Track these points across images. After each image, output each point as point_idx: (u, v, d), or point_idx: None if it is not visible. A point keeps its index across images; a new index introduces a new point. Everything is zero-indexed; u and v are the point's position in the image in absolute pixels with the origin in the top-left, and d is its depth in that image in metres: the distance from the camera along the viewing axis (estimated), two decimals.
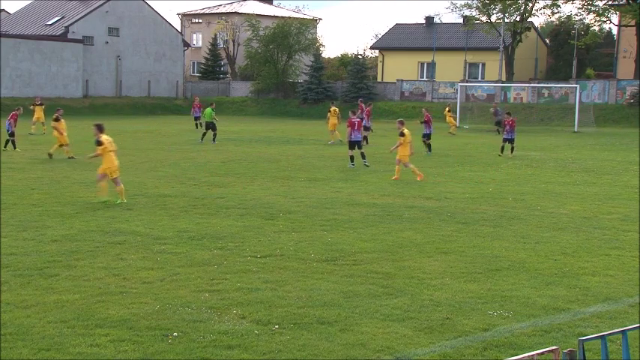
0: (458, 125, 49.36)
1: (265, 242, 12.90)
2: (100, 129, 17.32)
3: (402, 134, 21.92)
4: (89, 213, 15.42)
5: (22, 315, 8.80)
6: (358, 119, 25.79)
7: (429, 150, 30.22)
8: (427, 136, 30.77)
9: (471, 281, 10.60)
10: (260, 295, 9.71)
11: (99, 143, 17.01)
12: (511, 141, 29.31)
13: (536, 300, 9.73)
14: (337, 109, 36.77)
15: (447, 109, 45.54)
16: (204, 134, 34.39)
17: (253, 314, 8.94)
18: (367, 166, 24.49)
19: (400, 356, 7.76)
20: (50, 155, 25.83)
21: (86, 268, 10.98)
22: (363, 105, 42.44)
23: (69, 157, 25.59)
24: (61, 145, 26.24)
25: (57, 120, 26.73)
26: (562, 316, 9.10)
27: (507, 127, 29.57)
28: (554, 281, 10.67)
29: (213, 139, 33.68)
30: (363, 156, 24.91)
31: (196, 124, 42.99)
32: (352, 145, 24.97)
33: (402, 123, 22.52)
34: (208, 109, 35.36)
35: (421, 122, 31.85)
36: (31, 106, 38.72)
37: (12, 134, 28.68)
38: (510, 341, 8.21)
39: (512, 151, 29.26)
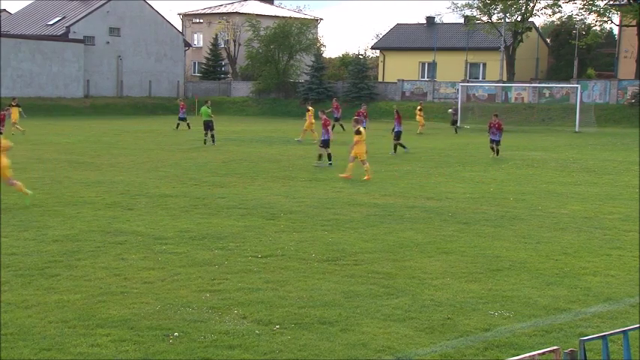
0: (459, 125, 49.42)
1: (266, 242, 12.90)
2: None
3: (359, 132, 22.23)
4: (90, 213, 15.43)
5: (23, 315, 8.80)
6: (327, 119, 26.07)
7: (394, 150, 29.98)
8: (397, 135, 30.36)
9: (472, 281, 10.60)
10: (261, 295, 9.70)
11: None
12: (497, 142, 28.90)
13: (537, 300, 9.73)
14: (313, 109, 37.06)
15: (419, 107, 44.86)
16: (206, 134, 33.24)
17: (254, 314, 8.94)
18: (331, 164, 24.67)
19: (401, 356, 7.75)
20: None
21: (87, 268, 10.99)
22: (337, 104, 42.97)
23: None
24: None
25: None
26: (563, 316, 9.10)
27: (493, 129, 29.15)
28: (555, 281, 10.67)
29: (213, 140, 32.87)
30: (329, 157, 24.97)
31: (187, 125, 42.80)
32: (327, 143, 25.01)
33: (357, 122, 22.97)
34: (204, 108, 34.07)
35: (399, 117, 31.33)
36: (7, 107, 37.87)
37: None
38: (511, 341, 8.21)
39: (497, 153, 28.86)
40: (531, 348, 7.76)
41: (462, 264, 11.57)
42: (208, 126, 33.34)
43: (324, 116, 25.96)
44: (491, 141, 29.15)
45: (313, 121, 36.06)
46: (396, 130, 30.56)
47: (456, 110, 46.06)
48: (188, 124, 42.75)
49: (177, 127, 42.60)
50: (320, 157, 24.97)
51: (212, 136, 33.24)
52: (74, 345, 7.89)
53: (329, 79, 68.22)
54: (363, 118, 33.91)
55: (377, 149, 30.52)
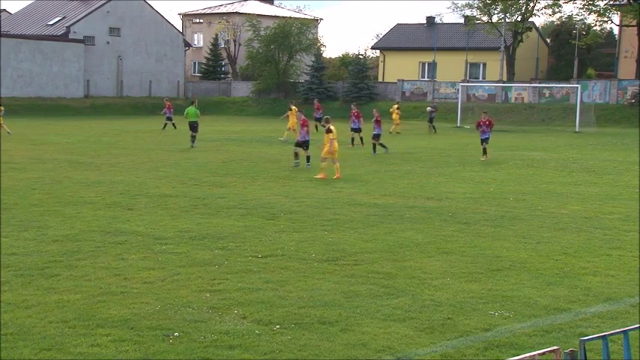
0: (459, 125, 49.44)
1: (266, 242, 12.90)
2: None
3: (330, 130, 22.35)
4: (90, 213, 15.42)
5: (23, 315, 8.80)
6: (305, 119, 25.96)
7: (374, 151, 29.69)
8: (377, 137, 30.16)
9: (472, 281, 10.60)
10: (261, 295, 9.70)
11: None
12: (486, 140, 28.23)
13: (538, 300, 9.73)
14: (296, 109, 36.83)
15: (396, 106, 44.74)
16: (193, 138, 31.59)
17: (254, 314, 8.94)
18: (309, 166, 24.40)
19: (401, 356, 7.75)
20: None
21: (87, 268, 10.99)
22: (319, 104, 43.07)
23: None
24: None
25: None
26: (563, 316, 9.10)
27: (483, 127, 28.64)
28: (556, 281, 10.67)
29: (193, 141, 31.34)
30: (307, 159, 24.54)
31: (173, 125, 42.52)
32: (305, 144, 24.81)
33: (328, 121, 23.22)
34: (192, 109, 32.22)
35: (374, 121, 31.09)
36: None
37: None
38: (511, 341, 8.21)
39: (484, 152, 28.12)
40: (531, 348, 7.76)
41: (462, 264, 11.58)
42: (193, 127, 31.68)
43: (303, 116, 25.83)
44: (482, 141, 28.50)
45: (295, 120, 35.76)
46: (375, 132, 30.32)
47: (434, 107, 45.89)
48: (165, 125, 42.60)
49: (174, 127, 42.48)
50: (296, 155, 24.70)
51: (193, 137, 31.57)
52: (74, 345, 7.89)
53: (329, 79, 68.21)
54: (355, 119, 33.56)
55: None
